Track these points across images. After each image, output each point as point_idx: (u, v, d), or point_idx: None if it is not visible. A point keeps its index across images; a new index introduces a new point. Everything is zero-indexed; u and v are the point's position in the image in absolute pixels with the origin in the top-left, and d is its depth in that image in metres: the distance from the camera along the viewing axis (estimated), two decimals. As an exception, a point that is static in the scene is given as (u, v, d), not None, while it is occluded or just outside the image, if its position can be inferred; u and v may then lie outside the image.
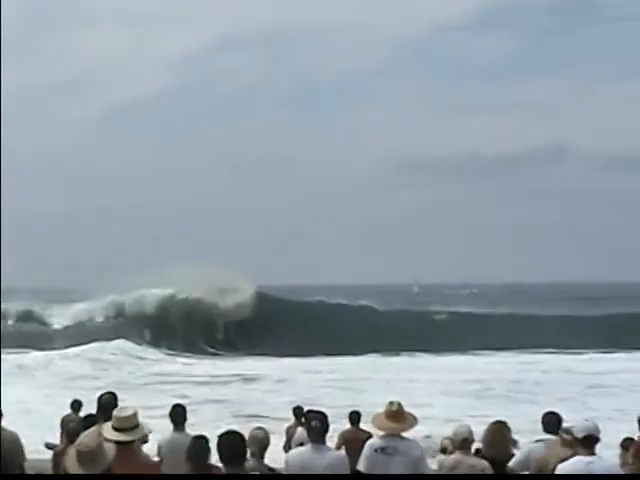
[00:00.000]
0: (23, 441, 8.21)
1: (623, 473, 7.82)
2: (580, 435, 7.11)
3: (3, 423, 8.12)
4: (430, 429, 15.16)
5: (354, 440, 10.21)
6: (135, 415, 6.70)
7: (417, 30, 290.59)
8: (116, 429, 6.56)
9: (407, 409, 8.27)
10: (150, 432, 9.28)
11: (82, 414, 11.33)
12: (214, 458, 6.37)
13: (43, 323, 46.08)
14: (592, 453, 7.01)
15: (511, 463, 8.45)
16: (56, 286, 54.07)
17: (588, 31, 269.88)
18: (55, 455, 9.48)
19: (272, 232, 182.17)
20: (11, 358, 33.23)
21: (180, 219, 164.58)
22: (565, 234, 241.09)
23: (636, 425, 9.24)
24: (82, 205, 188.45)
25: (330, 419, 7.63)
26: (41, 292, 49.19)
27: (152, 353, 39.91)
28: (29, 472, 8.55)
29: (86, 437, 5.95)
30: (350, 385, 28.81)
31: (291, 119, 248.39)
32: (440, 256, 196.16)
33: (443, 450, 10.68)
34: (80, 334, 40.95)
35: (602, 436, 7.16)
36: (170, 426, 9.01)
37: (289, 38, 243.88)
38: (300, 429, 11.41)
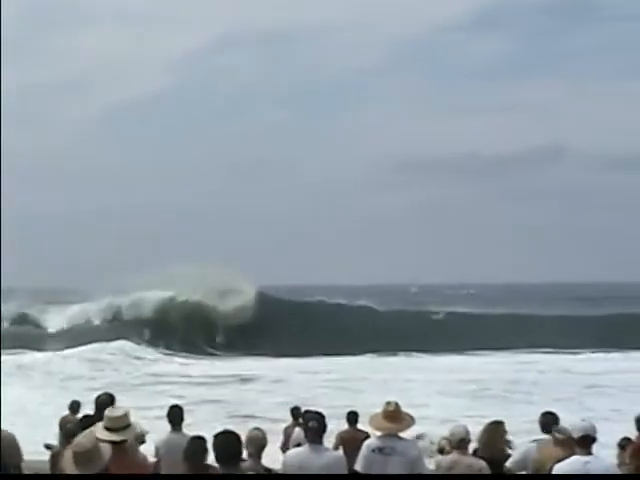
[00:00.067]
0: (20, 441, 8.21)
1: (620, 473, 7.85)
2: (577, 435, 7.12)
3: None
4: (426, 429, 15.18)
5: (352, 440, 10.22)
6: (126, 415, 6.72)
7: (417, 30, 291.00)
8: (108, 429, 6.58)
9: (404, 409, 8.28)
10: (147, 433, 9.32)
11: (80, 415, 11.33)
12: (210, 458, 6.38)
13: (38, 326, 45.71)
14: (589, 453, 7.03)
15: (508, 463, 8.47)
16: (55, 286, 53.91)
17: (585, 31, 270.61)
18: (53, 456, 9.48)
19: (272, 232, 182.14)
20: (9, 359, 33.18)
21: (180, 219, 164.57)
22: (564, 234, 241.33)
23: (633, 425, 9.26)
24: (82, 205, 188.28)
25: (327, 419, 7.64)
26: (40, 292, 49.10)
27: (150, 353, 39.86)
28: (26, 472, 8.54)
29: (82, 438, 5.97)
30: (347, 385, 28.82)
31: (291, 119, 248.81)
32: (439, 256, 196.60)
33: (440, 450, 10.69)
34: (75, 337, 40.68)
35: (599, 436, 7.18)
36: (166, 427, 9.02)
37: (289, 38, 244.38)
38: (298, 429, 11.41)
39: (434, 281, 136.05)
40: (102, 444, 6.02)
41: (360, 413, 11.31)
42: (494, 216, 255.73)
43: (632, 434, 9.39)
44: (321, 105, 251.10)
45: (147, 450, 8.48)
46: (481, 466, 7.91)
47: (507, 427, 9.00)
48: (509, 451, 8.78)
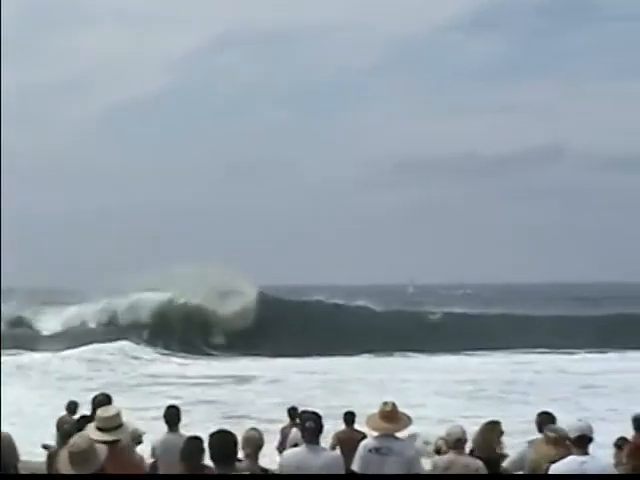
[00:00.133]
0: (18, 442, 8.22)
1: (617, 473, 7.85)
2: (574, 435, 7.13)
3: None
4: (422, 429, 15.17)
5: (349, 441, 10.21)
6: (118, 415, 6.72)
7: (416, 30, 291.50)
8: (99, 429, 6.58)
9: (401, 409, 8.29)
10: (144, 433, 9.33)
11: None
12: (207, 458, 6.38)
13: (31, 328, 45.18)
14: (585, 453, 7.03)
15: (505, 463, 8.48)
16: (54, 287, 53.71)
17: (583, 31, 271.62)
18: (49, 456, 9.49)
19: (272, 232, 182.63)
20: (9, 360, 33.13)
21: (180, 219, 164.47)
22: (563, 234, 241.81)
23: (629, 425, 9.28)
24: (82, 205, 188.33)
25: (324, 420, 7.64)
26: (37, 293, 48.95)
27: (148, 353, 39.79)
28: (23, 472, 8.55)
29: (78, 438, 5.97)
30: (344, 386, 28.81)
31: (291, 119, 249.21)
32: (439, 256, 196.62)
33: (437, 450, 10.70)
34: (72, 339, 40.42)
35: (595, 436, 7.19)
36: (163, 427, 9.02)
37: (289, 38, 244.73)
38: (295, 430, 11.41)
39: (431, 281, 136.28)
40: (98, 444, 6.02)
41: (357, 413, 11.31)
42: (493, 216, 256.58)
43: (628, 434, 9.42)
44: (321, 105, 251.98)
45: (144, 450, 8.50)
46: (478, 466, 7.91)
47: (503, 427, 9.01)
48: (505, 451, 8.79)
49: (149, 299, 44.52)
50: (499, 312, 52.56)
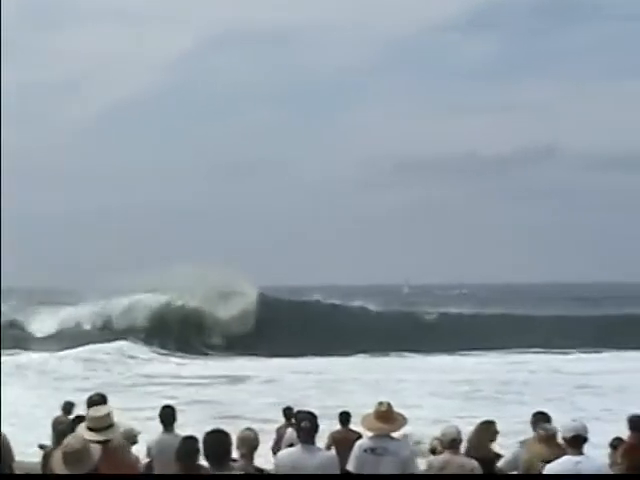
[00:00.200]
0: (13, 442, 8.22)
1: (612, 473, 7.87)
2: (568, 435, 7.14)
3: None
4: (418, 430, 15.18)
5: (344, 441, 10.22)
6: (109, 415, 6.72)
7: (415, 30, 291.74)
8: (90, 429, 6.58)
9: (396, 410, 8.29)
10: (139, 433, 9.31)
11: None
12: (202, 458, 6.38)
13: (24, 330, 44.62)
14: (580, 453, 7.04)
15: (500, 463, 8.50)
16: (53, 287, 53.59)
17: (582, 31, 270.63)
18: (44, 456, 9.48)
19: (271, 232, 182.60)
20: (8, 360, 33.07)
21: (180, 219, 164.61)
22: (563, 234, 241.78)
23: (624, 425, 9.28)
24: (82, 205, 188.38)
25: (319, 420, 7.64)
26: (37, 293, 48.78)
27: (145, 353, 39.73)
28: (17, 472, 8.54)
29: (72, 438, 5.97)
30: (339, 386, 28.81)
31: (290, 119, 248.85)
32: (438, 256, 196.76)
33: (432, 451, 10.70)
34: (66, 341, 40.16)
35: (590, 436, 7.20)
36: (158, 427, 9.02)
37: (288, 38, 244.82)
38: (290, 430, 11.41)
39: (434, 281, 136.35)
40: (93, 445, 6.02)
41: (352, 413, 11.31)
42: (493, 216, 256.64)
43: (623, 434, 9.42)
44: (320, 105, 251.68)
45: (139, 450, 8.49)
46: (473, 466, 7.92)
47: (498, 427, 9.02)
48: (500, 451, 8.80)
49: (146, 301, 44.34)
50: (495, 312, 52.58)
